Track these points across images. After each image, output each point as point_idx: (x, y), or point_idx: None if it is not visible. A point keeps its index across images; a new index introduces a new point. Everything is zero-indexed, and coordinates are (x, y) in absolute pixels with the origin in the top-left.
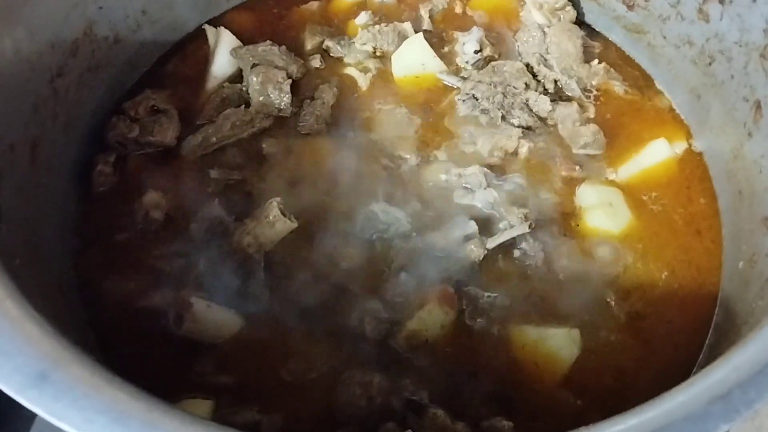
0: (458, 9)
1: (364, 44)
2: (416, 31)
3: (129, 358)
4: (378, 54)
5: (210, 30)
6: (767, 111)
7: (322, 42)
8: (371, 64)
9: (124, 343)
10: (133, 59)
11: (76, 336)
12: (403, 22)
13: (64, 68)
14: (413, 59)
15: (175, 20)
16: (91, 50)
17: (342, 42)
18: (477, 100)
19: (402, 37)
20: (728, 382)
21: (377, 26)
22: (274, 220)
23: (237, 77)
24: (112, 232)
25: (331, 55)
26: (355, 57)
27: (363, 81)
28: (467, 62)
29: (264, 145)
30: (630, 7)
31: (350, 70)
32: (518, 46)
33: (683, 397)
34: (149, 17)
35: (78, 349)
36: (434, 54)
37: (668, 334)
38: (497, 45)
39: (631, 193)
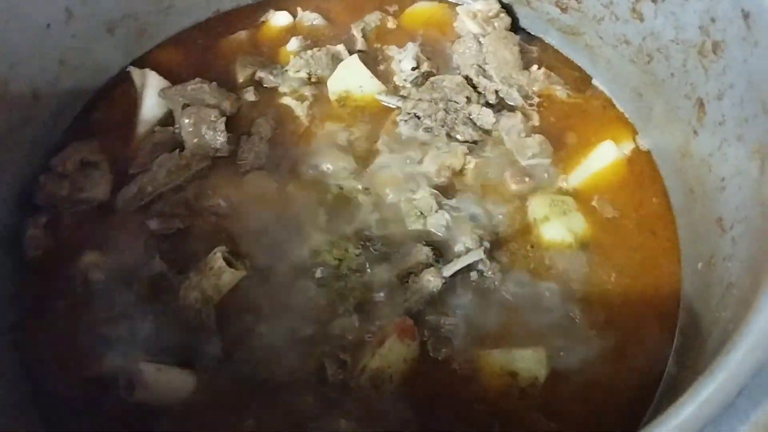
0: (391, 24)
1: (298, 71)
2: (350, 53)
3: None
4: (313, 80)
5: (135, 72)
6: (710, 109)
7: (254, 73)
8: (307, 91)
9: (73, 418)
10: (55, 112)
11: (17, 415)
12: (335, 44)
13: None
14: (350, 82)
15: (96, 65)
16: (8, 110)
17: (275, 71)
18: (419, 118)
19: (336, 60)
20: (700, 418)
21: (309, 51)
22: (220, 272)
23: (168, 119)
24: (51, 299)
25: (265, 85)
26: (289, 85)
27: (300, 110)
28: (405, 80)
29: (203, 189)
30: (563, 10)
31: (286, 100)
32: (455, 58)
33: None
34: (68, 66)
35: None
36: (371, 74)
37: (635, 342)
38: (434, 59)
39: (584, 199)
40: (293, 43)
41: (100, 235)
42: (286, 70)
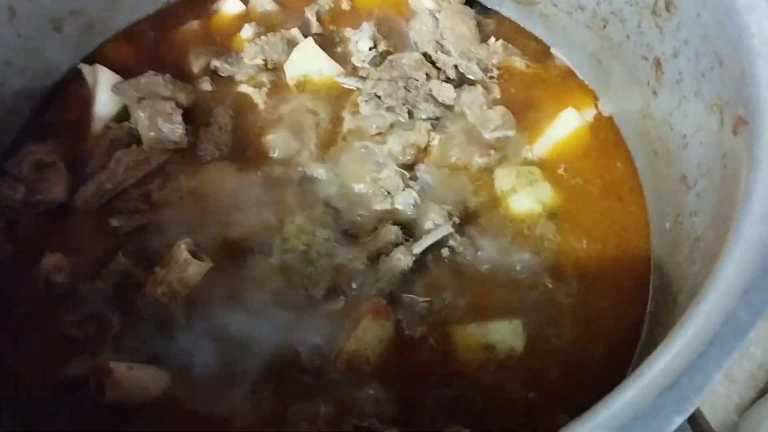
0: (345, 5)
1: (254, 58)
2: (305, 36)
3: None
4: (270, 66)
5: (86, 69)
6: (667, 68)
7: (209, 62)
8: (264, 77)
9: (48, 420)
10: (6, 114)
11: None
12: (290, 28)
13: None
14: (307, 66)
15: (46, 64)
16: None
17: (230, 59)
18: (380, 98)
19: (292, 45)
20: (674, 370)
21: (264, 37)
22: (186, 264)
23: (124, 115)
24: (14, 304)
25: (221, 74)
26: (246, 73)
27: (258, 97)
28: (363, 60)
29: (165, 183)
30: None
31: (244, 88)
32: (412, 35)
33: (631, 392)
34: (15, 67)
35: None
36: (328, 57)
37: (609, 307)
38: (391, 38)
39: (549, 168)
40: (247, 30)
41: (60, 237)
42: (242, 58)
